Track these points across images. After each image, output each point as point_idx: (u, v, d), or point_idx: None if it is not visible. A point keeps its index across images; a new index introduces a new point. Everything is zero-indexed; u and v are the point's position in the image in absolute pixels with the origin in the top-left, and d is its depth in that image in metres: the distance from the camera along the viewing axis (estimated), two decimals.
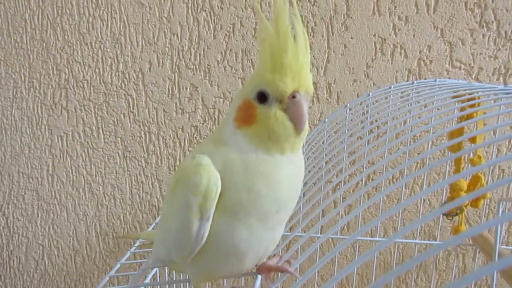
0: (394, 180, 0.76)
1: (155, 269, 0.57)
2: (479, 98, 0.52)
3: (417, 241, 0.70)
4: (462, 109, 0.55)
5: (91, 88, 0.83)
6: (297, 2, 0.30)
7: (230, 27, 0.77)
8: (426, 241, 0.76)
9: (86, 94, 0.83)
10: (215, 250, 0.32)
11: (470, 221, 0.76)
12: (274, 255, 0.39)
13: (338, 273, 0.24)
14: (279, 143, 0.30)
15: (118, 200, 0.87)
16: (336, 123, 0.69)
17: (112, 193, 0.87)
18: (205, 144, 0.34)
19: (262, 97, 0.30)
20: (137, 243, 0.67)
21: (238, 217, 0.30)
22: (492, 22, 0.69)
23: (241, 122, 0.31)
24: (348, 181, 0.77)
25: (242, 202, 0.30)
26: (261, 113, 0.30)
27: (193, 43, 0.78)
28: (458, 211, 0.60)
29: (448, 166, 0.71)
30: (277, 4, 0.28)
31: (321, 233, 0.77)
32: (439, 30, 0.71)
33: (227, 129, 0.32)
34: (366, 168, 0.75)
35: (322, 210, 0.74)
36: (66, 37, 0.82)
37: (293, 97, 0.29)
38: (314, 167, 0.63)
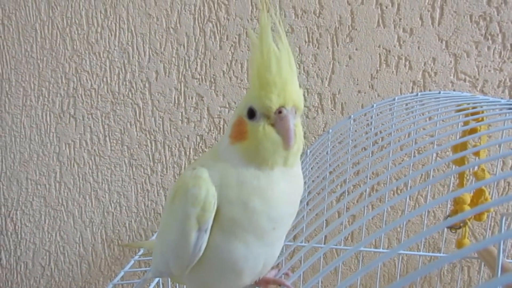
0: (399, 192, 0.76)
1: (158, 278, 0.57)
2: (483, 112, 0.52)
3: (421, 253, 0.70)
4: (466, 123, 0.55)
5: (99, 96, 0.84)
6: (281, 21, 0.31)
7: (236, 38, 0.78)
8: (430, 254, 0.75)
9: (94, 103, 0.85)
10: (213, 264, 0.32)
11: (475, 234, 0.76)
12: (273, 267, 0.39)
13: (341, 282, 0.24)
14: (268, 157, 0.30)
15: (124, 207, 0.88)
16: (341, 134, 0.69)
17: (118, 201, 0.88)
18: (204, 158, 0.35)
19: (251, 113, 0.31)
20: (141, 251, 0.68)
21: (235, 233, 0.31)
22: (498, 34, 0.69)
23: (234, 139, 0.32)
24: (352, 192, 0.77)
25: (238, 219, 0.30)
26: (251, 129, 0.31)
27: (199, 54, 0.79)
28: (461, 224, 0.60)
29: (453, 178, 0.71)
30: (261, 23, 0.30)
31: (324, 244, 0.77)
32: (444, 42, 0.71)
33: (223, 145, 0.33)
34: (370, 179, 0.75)
35: (326, 220, 0.74)
36: (75, 46, 0.83)
37: (280, 112, 0.30)
38: (317, 177, 0.63)
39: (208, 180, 0.31)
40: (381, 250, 0.71)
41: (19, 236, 0.93)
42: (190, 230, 0.31)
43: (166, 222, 0.35)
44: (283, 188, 0.31)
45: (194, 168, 0.32)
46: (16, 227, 0.93)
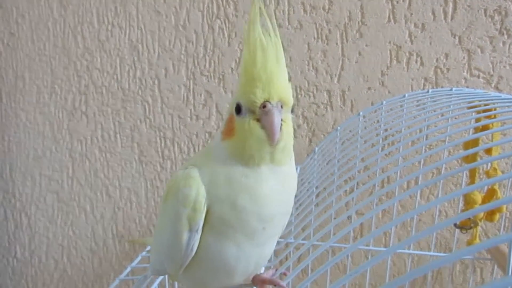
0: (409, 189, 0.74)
1: (162, 276, 0.58)
2: (495, 109, 0.51)
3: (432, 253, 0.69)
4: (478, 120, 0.54)
5: (109, 94, 0.85)
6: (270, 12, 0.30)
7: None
8: (441, 254, 0.74)
9: (105, 100, 0.86)
10: (205, 264, 0.32)
11: (488, 234, 0.74)
12: (271, 267, 0.39)
13: (346, 275, 0.24)
14: (253, 153, 0.30)
15: (134, 203, 0.89)
16: (349, 131, 0.68)
17: (129, 197, 0.89)
18: (197, 156, 0.35)
19: (238, 109, 0.30)
20: (149, 247, 0.68)
21: (226, 233, 0.30)
22: None
23: (225, 135, 0.31)
24: (361, 188, 0.76)
25: (227, 218, 0.30)
26: (238, 124, 0.30)
27: (208, 51, 0.79)
28: (472, 225, 0.58)
29: (465, 177, 0.69)
30: (249, 16, 0.30)
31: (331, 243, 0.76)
32: (456, 38, 0.69)
33: (215, 142, 0.33)
34: (379, 176, 0.74)
35: (334, 219, 0.73)
36: (86, 44, 0.84)
37: (264, 106, 0.29)
38: (325, 174, 0.63)
39: (199, 180, 0.31)
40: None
41: (33, 230, 0.95)
42: (181, 230, 0.30)
43: (160, 221, 0.35)
44: (273, 186, 0.31)
45: (186, 168, 0.32)
46: (30, 221, 0.95)
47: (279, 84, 0.29)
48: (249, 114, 0.30)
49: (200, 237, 0.31)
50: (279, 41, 0.30)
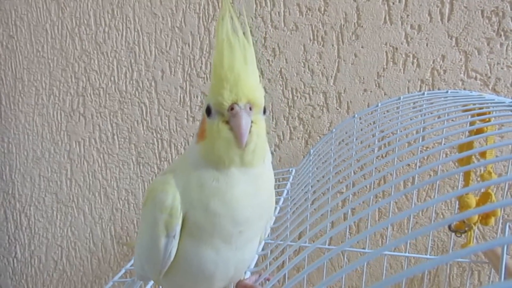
0: (405, 194, 0.74)
1: None
2: (489, 113, 0.50)
3: (428, 256, 0.68)
4: (472, 123, 0.53)
5: (107, 95, 0.86)
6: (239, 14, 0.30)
7: None
8: (438, 257, 0.73)
9: (102, 102, 0.86)
10: (184, 270, 0.32)
11: (486, 237, 0.73)
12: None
13: (335, 273, 0.24)
14: (222, 156, 0.29)
15: (132, 204, 0.90)
16: (345, 132, 0.68)
17: (126, 198, 0.90)
18: (177, 160, 0.35)
19: (209, 111, 0.30)
20: None
21: (202, 238, 0.30)
22: (511, 30, 0.66)
23: (198, 138, 0.31)
24: (356, 192, 0.75)
25: (201, 222, 0.30)
26: (208, 126, 0.30)
27: (204, 52, 0.79)
28: (466, 228, 0.58)
29: (462, 180, 0.68)
30: (218, 18, 0.30)
31: (329, 244, 0.76)
32: (453, 39, 0.68)
33: (191, 145, 0.33)
34: (374, 176, 0.74)
35: (332, 222, 0.73)
36: (83, 46, 0.85)
37: (232, 109, 0.29)
38: (319, 174, 0.62)
39: (174, 185, 0.31)
40: (386, 252, 0.69)
41: (33, 231, 0.96)
42: (159, 236, 0.30)
43: (140, 226, 0.35)
44: (245, 189, 0.30)
45: (165, 173, 0.32)
46: (30, 222, 0.96)
47: (248, 85, 0.29)
48: (218, 116, 0.29)
49: (179, 242, 0.31)
50: (249, 41, 0.29)
